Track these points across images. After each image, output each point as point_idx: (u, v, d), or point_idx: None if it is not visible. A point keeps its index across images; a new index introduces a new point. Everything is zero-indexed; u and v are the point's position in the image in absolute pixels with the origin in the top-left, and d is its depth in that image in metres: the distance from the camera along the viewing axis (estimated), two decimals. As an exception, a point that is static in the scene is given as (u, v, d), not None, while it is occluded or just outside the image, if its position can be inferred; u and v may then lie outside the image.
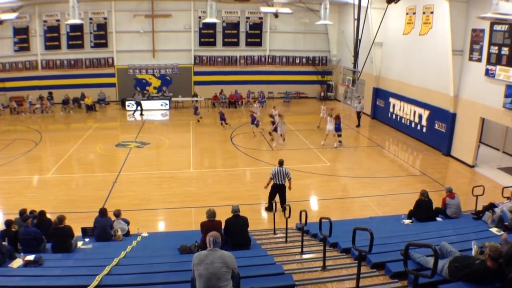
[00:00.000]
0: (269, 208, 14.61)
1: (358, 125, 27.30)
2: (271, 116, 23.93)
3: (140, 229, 12.47)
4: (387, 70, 27.82)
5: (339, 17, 34.44)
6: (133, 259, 8.95)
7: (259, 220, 14.14)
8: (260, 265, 7.92)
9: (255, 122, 24.26)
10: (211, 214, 9.36)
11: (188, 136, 24.51)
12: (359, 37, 25.59)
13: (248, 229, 9.88)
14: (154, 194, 16.38)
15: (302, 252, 9.22)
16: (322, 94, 36.49)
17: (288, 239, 11.07)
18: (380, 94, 28.62)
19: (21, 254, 8.92)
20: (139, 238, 11.39)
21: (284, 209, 12.89)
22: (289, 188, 14.56)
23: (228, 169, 19.32)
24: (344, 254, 8.96)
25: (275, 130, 23.19)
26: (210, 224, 9.15)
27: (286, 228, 11.33)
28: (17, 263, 8.67)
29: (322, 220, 8.60)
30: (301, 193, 16.47)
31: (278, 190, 14.44)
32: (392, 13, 25.55)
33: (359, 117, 27.55)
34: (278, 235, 12.07)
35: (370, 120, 29.27)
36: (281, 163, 14.66)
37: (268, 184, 14.59)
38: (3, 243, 9.11)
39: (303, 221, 9.83)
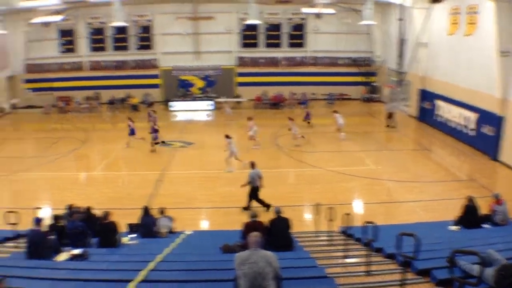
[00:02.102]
0: (267, 206, 14.57)
1: (393, 126, 26.84)
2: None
3: (185, 227, 12.63)
4: (432, 71, 27.12)
5: (382, 17, 33.79)
6: (177, 256, 9.11)
7: (302, 222, 14.08)
8: (302, 267, 7.87)
9: (133, 132, 22.92)
10: (254, 215, 9.40)
11: (232, 136, 24.52)
12: (404, 38, 25.13)
13: (291, 231, 9.84)
14: (197, 193, 16.61)
15: (345, 256, 9.11)
16: (366, 95, 35.90)
17: (331, 242, 10.97)
18: (426, 95, 27.93)
19: (68, 248, 9.24)
20: (183, 236, 11.55)
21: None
22: (261, 186, 14.95)
23: (271, 170, 19.19)
24: (389, 259, 8.78)
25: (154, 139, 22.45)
26: (253, 224, 9.18)
27: (329, 231, 11.23)
28: (63, 256, 8.99)
29: (367, 224, 8.48)
30: (344, 196, 16.33)
31: (256, 191, 14.82)
32: (436, 13, 24.96)
33: (391, 117, 27.05)
34: (321, 238, 11.97)
35: (416, 122, 28.60)
36: (253, 165, 15.08)
37: (244, 185, 14.91)
38: (50, 237, 9.47)
39: (346, 224, 9.71)
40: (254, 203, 14.76)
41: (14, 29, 33.00)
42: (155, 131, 22.35)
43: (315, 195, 15.59)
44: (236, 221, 13.41)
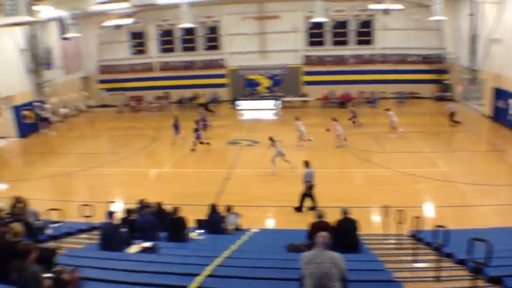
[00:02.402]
0: (300, 209, 14.80)
1: (458, 123, 25.75)
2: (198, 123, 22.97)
3: (251, 225, 12.77)
4: (507, 68, 25.53)
5: (453, 12, 32.09)
6: (243, 253, 9.27)
7: (370, 224, 13.76)
8: (369, 270, 7.76)
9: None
10: (320, 215, 9.35)
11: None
12: (476, 34, 24.01)
13: (358, 232, 9.70)
14: (264, 191, 16.73)
15: (414, 260, 8.87)
16: (438, 94, 34.40)
17: (399, 246, 10.69)
18: (500, 94, 26.43)
19: (139, 240, 9.71)
20: (249, 233, 11.69)
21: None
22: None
23: (337, 170, 19.08)
24: (459, 265, 8.46)
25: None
26: (319, 224, 9.14)
27: (398, 235, 10.95)
28: (134, 249, 9.44)
29: (438, 228, 8.22)
30: (414, 198, 15.83)
31: (311, 190, 14.79)
32: (508, 7, 23.53)
33: (453, 116, 25.89)
34: (389, 241, 11.68)
35: (490, 122, 27.21)
36: (308, 163, 15.08)
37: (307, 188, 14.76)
38: (122, 229, 9.97)
39: (416, 228, 9.44)
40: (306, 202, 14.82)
41: (88, 32, 35.39)
42: (196, 130, 22.65)
43: (383, 197, 15.22)
44: (302, 221, 13.41)
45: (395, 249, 10.62)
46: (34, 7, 25.85)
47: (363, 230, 10.77)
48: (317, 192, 16.03)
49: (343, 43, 34.76)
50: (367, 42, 34.77)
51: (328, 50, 34.87)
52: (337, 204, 12.94)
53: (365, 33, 34.66)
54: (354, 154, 21.09)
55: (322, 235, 6.04)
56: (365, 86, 34.14)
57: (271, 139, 19.21)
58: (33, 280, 5.80)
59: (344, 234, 9.40)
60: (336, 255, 5.90)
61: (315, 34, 34.48)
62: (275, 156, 18.88)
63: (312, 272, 5.73)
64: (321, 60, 34.88)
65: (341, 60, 34.85)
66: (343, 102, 32.80)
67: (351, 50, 34.81)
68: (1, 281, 6.69)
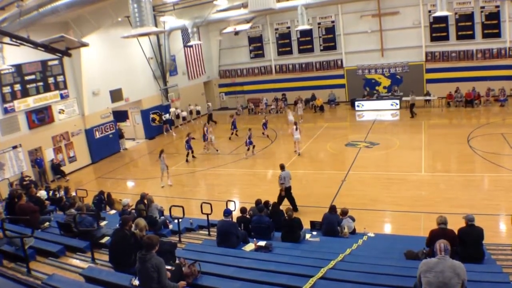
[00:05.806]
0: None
1: None
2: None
3: (367, 229, 12.37)
4: None
5: None
6: (358, 257, 9.01)
7: (496, 233, 12.54)
8: (492, 282, 7.10)
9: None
10: (443, 222, 8.68)
11: (420, 137, 23.36)
12: None
13: (483, 242, 8.89)
14: (382, 195, 16.09)
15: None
16: None
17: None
18: None
19: (254, 239, 9.92)
20: (365, 238, 11.36)
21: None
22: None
23: (463, 174, 17.68)
24: None
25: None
26: (441, 232, 8.50)
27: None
28: (249, 247, 9.67)
29: None
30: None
31: (289, 192, 15.14)
32: None
33: None
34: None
35: None
36: (283, 167, 15.35)
37: (283, 190, 14.99)
38: (239, 228, 10.34)
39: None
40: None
41: (208, 39, 37.80)
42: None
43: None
44: (422, 227, 12.73)
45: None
46: (159, 18, 27.70)
47: (489, 240, 9.89)
48: (441, 197, 15.32)
49: (469, 37, 32.27)
50: (495, 35, 31.89)
51: (452, 45, 32.58)
52: (462, 211, 12.02)
53: (493, 25, 31.84)
54: (482, 157, 19.40)
55: (442, 242, 5.82)
56: (494, 83, 31.27)
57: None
58: (155, 271, 6.12)
59: (467, 244, 8.66)
60: (457, 264, 5.62)
61: (438, 29, 32.43)
62: None
63: (430, 281, 5.51)
64: (444, 56, 32.80)
65: (466, 55, 32.42)
66: (470, 100, 30.52)
67: (477, 44, 32.18)
68: (123, 271, 7.15)
